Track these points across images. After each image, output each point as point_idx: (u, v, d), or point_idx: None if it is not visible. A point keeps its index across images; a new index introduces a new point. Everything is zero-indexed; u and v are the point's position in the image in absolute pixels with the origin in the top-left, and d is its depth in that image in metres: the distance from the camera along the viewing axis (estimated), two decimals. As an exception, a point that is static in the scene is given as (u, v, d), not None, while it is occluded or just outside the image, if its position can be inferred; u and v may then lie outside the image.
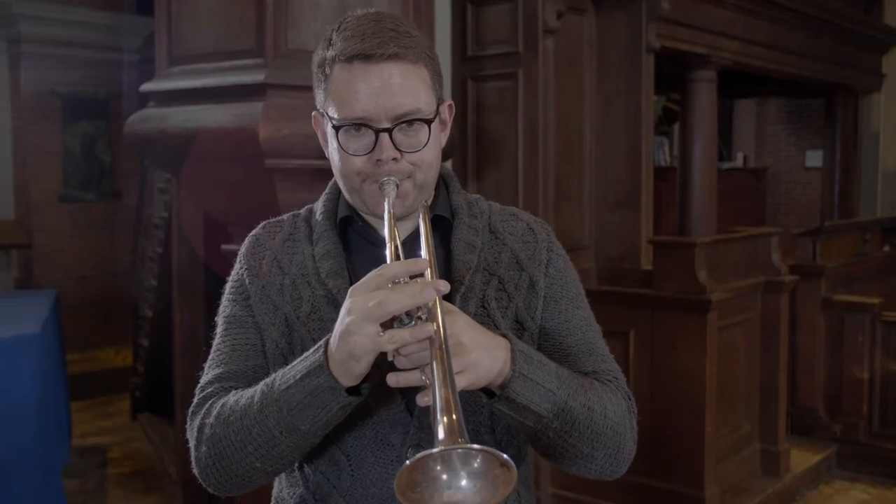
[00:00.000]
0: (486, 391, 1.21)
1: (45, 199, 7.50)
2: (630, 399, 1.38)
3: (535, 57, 4.18)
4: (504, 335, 1.22)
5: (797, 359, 5.02)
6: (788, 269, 4.67)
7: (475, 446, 0.99)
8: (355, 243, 1.41)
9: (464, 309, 1.32)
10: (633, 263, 4.73)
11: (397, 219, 1.29)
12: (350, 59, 1.26)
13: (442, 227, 1.42)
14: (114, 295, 7.20)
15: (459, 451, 1.00)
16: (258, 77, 3.23)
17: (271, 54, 3.27)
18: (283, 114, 3.18)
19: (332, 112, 1.30)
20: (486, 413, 1.34)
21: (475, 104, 4.43)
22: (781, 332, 4.45)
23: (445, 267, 1.38)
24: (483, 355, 1.16)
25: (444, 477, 1.02)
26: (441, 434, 1.00)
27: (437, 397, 1.04)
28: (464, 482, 1.02)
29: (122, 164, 7.76)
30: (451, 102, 1.42)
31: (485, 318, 1.34)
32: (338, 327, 1.16)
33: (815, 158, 8.91)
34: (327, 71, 1.30)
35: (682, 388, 3.89)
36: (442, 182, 1.46)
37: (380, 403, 1.30)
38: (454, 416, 1.02)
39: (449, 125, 1.42)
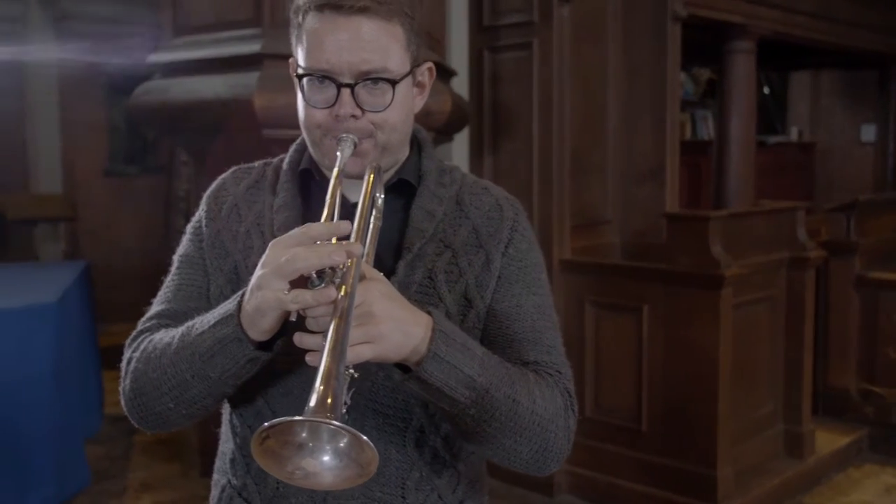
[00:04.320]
0: (403, 367, 1.17)
1: (91, 174, 7.65)
2: (570, 397, 1.31)
3: (550, 26, 4.10)
4: (429, 312, 1.17)
5: (829, 338, 4.85)
6: (820, 246, 4.50)
7: (335, 423, 0.95)
8: (316, 198, 1.37)
9: (408, 277, 1.29)
10: (657, 238, 4.63)
11: (355, 178, 1.26)
12: (321, 7, 1.23)
13: (408, 192, 1.37)
14: (156, 268, 7.30)
15: (328, 426, 0.97)
16: (254, 47, 3.23)
17: (268, 24, 3.27)
18: (278, 84, 3.17)
19: (300, 60, 1.27)
20: None
21: (491, 75, 4.36)
22: (807, 310, 4.30)
23: (400, 233, 1.34)
24: (394, 328, 1.11)
25: (310, 445, 1.00)
26: (312, 402, 0.97)
27: (321, 365, 1.01)
28: (326, 458, 1.00)
29: (165, 140, 7.86)
30: (432, 65, 1.37)
31: (430, 289, 1.30)
32: (252, 279, 1.14)
33: (870, 132, 8.59)
34: (300, 18, 1.26)
35: (696, 366, 3.79)
36: (416, 146, 1.42)
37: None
38: (330, 389, 0.98)
39: (428, 88, 1.37)
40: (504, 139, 4.35)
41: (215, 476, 1.44)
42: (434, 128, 3.46)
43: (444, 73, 3.78)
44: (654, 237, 4.62)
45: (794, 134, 9.66)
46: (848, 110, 8.96)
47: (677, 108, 4.76)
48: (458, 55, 4.36)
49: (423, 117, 1.36)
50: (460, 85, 4.31)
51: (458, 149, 4.34)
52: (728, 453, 3.82)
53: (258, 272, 1.12)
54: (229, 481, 1.38)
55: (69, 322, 4.23)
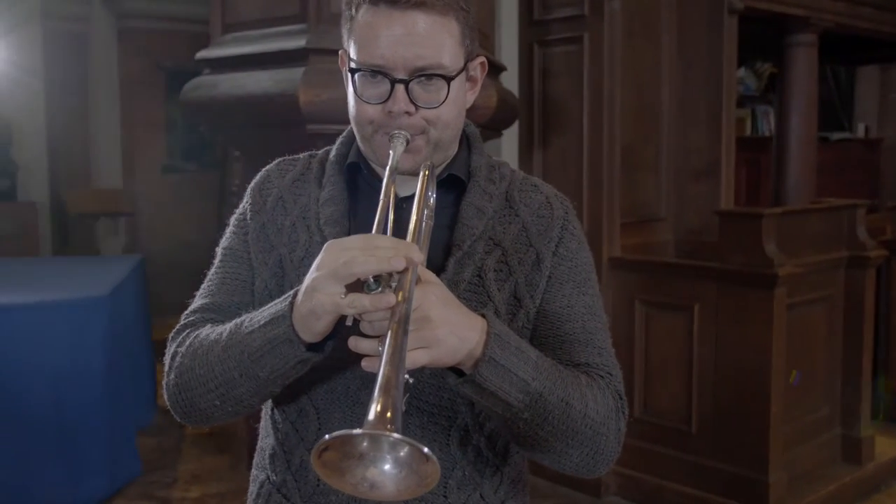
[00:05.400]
0: (457, 371, 1.14)
1: (150, 170, 7.80)
2: (621, 399, 1.28)
3: (601, 20, 4.04)
4: (483, 315, 1.14)
5: (890, 340, 4.70)
6: (882, 245, 4.35)
7: (396, 436, 0.93)
8: (363, 191, 1.36)
9: (457, 275, 1.27)
10: (711, 236, 4.53)
11: (407, 174, 1.25)
12: (376, 1, 1.21)
13: (457, 188, 1.35)
14: (210, 263, 7.42)
15: (388, 437, 0.95)
16: (300, 42, 3.23)
17: (314, 19, 3.26)
18: (323, 79, 3.16)
19: (353, 53, 1.24)
20: None
21: (541, 70, 4.32)
22: (866, 311, 4.16)
23: (450, 230, 1.31)
24: (449, 333, 1.08)
25: (371, 455, 0.98)
26: (371, 415, 0.94)
27: (380, 374, 0.98)
28: (387, 466, 0.98)
29: (215, 135, 7.98)
30: (484, 60, 1.34)
31: (479, 287, 1.27)
32: (306, 280, 1.11)
33: (941, 129, 8.32)
34: (353, 11, 1.24)
35: (749, 367, 3.69)
36: (465, 142, 1.39)
37: (353, 359, 1.21)
38: (390, 399, 0.95)
39: (480, 82, 1.34)
40: (554, 134, 4.30)
41: (254, 472, 1.42)
42: (479, 123, 3.42)
43: (493, 68, 3.75)
44: (708, 235, 4.53)
45: (860, 130, 9.40)
46: (918, 105, 8.69)
47: (733, 103, 4.66)
48: (508, 49, 4.32)
49: (468, 112, 1.33)
50: (510, 79, 4.27)
51: (508, 144, 4.30)
52: (781, 458, 3.72)
53: (313, 274, 1.09)
54: (268, 477, 1.36)
55: (122, 315, 4.29)
